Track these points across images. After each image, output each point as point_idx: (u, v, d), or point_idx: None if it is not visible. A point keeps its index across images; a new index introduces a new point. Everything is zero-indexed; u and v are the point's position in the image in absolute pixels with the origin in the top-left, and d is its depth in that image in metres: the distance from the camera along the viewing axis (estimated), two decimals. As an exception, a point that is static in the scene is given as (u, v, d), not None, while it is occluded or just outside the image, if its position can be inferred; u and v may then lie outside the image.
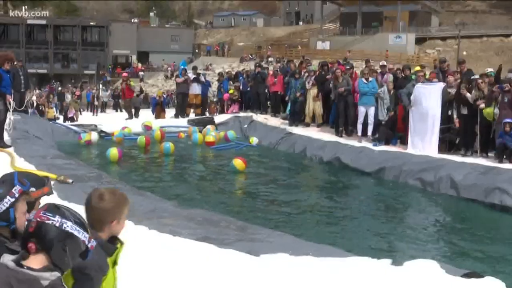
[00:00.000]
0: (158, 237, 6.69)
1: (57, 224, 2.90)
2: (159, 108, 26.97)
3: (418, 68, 17.96)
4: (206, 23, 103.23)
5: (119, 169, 14.15)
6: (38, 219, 2.88)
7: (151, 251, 6.08)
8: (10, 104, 13.12)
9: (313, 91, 18.86)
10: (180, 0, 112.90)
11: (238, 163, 14.21)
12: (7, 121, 13.95)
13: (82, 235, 2.94)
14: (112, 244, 3.27)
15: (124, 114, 28.31)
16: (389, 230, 9.67)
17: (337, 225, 9.97)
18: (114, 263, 3.29)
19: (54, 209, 2.93)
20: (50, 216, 2.89)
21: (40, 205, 3.43)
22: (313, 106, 19.03)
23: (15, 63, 16.69)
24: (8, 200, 3.59)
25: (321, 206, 11.41)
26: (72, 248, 2.91)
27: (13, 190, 3.64)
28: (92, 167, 12.24)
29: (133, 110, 27.50)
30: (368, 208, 11.43)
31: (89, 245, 2.95)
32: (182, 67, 26.95)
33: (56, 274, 2.87)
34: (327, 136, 17.54)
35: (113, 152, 15.09)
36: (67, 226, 2.91)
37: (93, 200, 3.22)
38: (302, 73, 19.76)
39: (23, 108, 16.53)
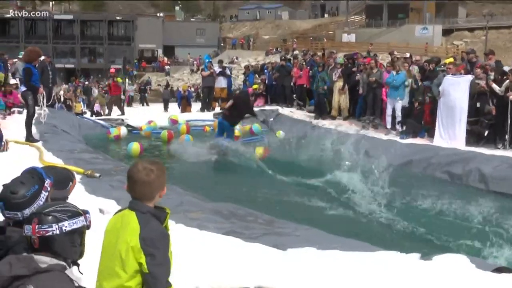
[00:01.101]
0: (185, 231, 6.68)
1: (58, 232, 3.02)
2: (185, 102, 27.06)
3: (451, 60, 17.67)
4: (231, 16, 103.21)
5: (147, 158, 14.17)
6: (38, 235, 2.96)
7: (178, 245, 6.07)
8: (43, 97, 13.48)
9: (339, 84, 18.74)
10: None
11: (259, 151, 14.68)
12: (42, 113, 14.10)
13: (80, 222, 3.13)
14: (158, 210, 3.37)
15: (152, 107, 28.49)
16: (418, 223, 9.56)
17: (364, 218, 9.89)
18: (165, 228, 3.38)
19: (45, 218, 3.03)
20: (46, 228, 3.01)
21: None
22: (339, 98, 18.91)
23: (43, 58, 16.91)
24: (44, 194, 3.63)
25: (348, 199, 11.32)
26: (78, 237, 3.12)
27: (45, 184, 3.67)
28: (119, 161, 12.29)
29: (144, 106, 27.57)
30: (394, 200, 11.32)
31: (87, 222, 3.18)
32: (207, 60, 26.99)
33: (59, 262, 2.97)
34: (353, 128, 17.43)
35: (135, 146, 15.20)
36: (66, 227, 3.05)
37: (141, 175, 3.28)
38: (325, 65, 19.66)
39: (50, 102, 16.72)
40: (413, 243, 8.23)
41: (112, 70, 29.86)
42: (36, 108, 13.48)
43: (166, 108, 31.69)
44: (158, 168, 3.34)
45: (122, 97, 38.95)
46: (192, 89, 41.54)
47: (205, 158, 14.64)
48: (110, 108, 27.03)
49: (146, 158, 3.61)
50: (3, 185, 3.72)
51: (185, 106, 26.63)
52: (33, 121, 13.45)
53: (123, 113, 25.46)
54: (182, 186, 10.23)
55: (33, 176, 3.71)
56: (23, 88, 13.01)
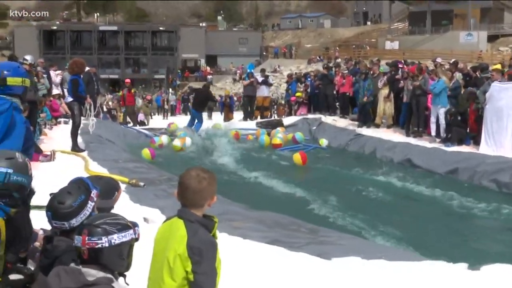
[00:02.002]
0: (228, 240, 6.68)
1: (107, 244, 3.04)
2: (227, 109, 27.07)
3: (498, 66, 17.31)
4: (273, 25, 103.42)
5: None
6: (88, 247, 2.98)
7: (221, 254, 6.07)
8: (90, 106, 13.77)
9: (384, 91, 18.56)
10: (247, 1, 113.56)
11: (297, 158, 15.20)
12: (90, 122, 14.34)
13: (129, 235, 3.13)
14: (207, 219, 3.36)
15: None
16: (465, 233, 9.40)
17: (409, 226, 9.76)
18: (213, 236, 3.38)
19: (95, 230, 3.05)
20: (96, 240, 3.03)
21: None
22: (384, 106, 18.72)
23: (89, 69, 17.23)
24: (90, 205, 3.67)
25: (394, 207, 11.21)
26: (126, 250, 3.13)
27: (92, 195, 3.71)
28: (162, 170, 12.37)
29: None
30: (442, 209, 11.16)
31: (136, 235, 3.18)
32: (249, 70, 27.09)
33: (106, 275, 2.99)
34: (397, 137, 17.26)
35: (146, 152, 15.52)
36: (115, 240, 3.06)
37: (193, 182, 3.28)
38: (370, 73, 19.54)
39: (95, 112, 16.97)
40: (461, 252, 8.08)
41: (127, 80, 29.25)
42: (83, 118, 13.69)
43: (210, 116, 31.87)
44: (210, 176, 3.34)
45: (166, 106, 39.32)
46: (235, 98, 41.66)
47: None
48: (133, 120, 26.90)
49: (199, 166, 3.61)
50: (51, 195, 3.77)
51: (227, 113, 26.68)
52: (79, 131, 13.67)
53: (135, 124, 25.55)
54: (223, 195, 10.29)
55: (80, 186, 3.75)
56: (69, 99, 13.28)
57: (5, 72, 5.12)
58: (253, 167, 15.16)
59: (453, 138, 15.32)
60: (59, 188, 3.81)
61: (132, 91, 27.47)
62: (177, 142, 17.72)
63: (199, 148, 17.93)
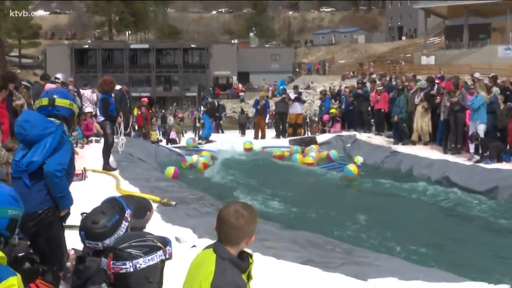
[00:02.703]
0: (261, 260, 6.66)
1: (132, 269, 2.98)
2: (261, 111, 26.59)
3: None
4: (306, 41, 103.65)
5: (220, 191, 14.26)
6: (112, 271, 2.96)
7: (254, 274, 6.05)
8: (121, 124, 13.97)
9: (421, 107, 18.40)
10: (280, 17, 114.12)
11: (353, 167, 15.77)
12: (120, 141, 14.51)
13: (157, 257, 3.08)
14: (242, 258, 3.28)
15: (228, 134, 28.77)
16: (507, 252, 9.24)
17: (447, 246, 9.64)
18: (248, 277, 3.32)
19: (120, 254, 3.01)
20: (120, 265, 2.98)
21: None
22: (421, 122, 18.55)
23: (120, 87, 17.42)
24: (124, 225, 3.69)
25: (431, 225, 11.08)
26: (154, 272, 3.07)
27: (126, 215, 3.74)
28: (194, 189, 12.41)
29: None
30: (481, 227, 11.00)
31: (167, 255, 3.14)
32: (281, 86, 27.12)
33: None
34: (434, 154, 17.10)
35: (169, 171, 15.51)
36: (140, 264, 3.01)
37: (231, 218, 3.21)
38: (407, 89, 19.44)
39: (127, 131, 17.16)
40: (502, 272, 7.93)
41: (144, 99, 27.69)
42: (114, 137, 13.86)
43: (243, 132, 32.02)
44: (250, 214, 3.27)
45: (198, 124, 39.46)
46: (268, 116, 41.73)
47: None
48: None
49: (241, 201, 3.55)
50: (82, 215, 3.82)
51: (259, 120, 26.48)
52: (118, 148, 13.87)
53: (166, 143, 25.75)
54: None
55: (114, 206, 3.78)
56: (101, 118, 13.44)
57: (55, 95, 5.29)
58: (283, 185, 15.17)
59: (491, 155, 15.12)
60: (90, 208, 3.85)
61: (150, 110, 27.02)
62: (191, 160, 17.93)
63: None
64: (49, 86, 13.75)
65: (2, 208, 3.41)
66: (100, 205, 3.86)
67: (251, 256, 3.34)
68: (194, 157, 18.57)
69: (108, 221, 3.64)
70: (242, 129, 35.59)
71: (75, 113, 5.50)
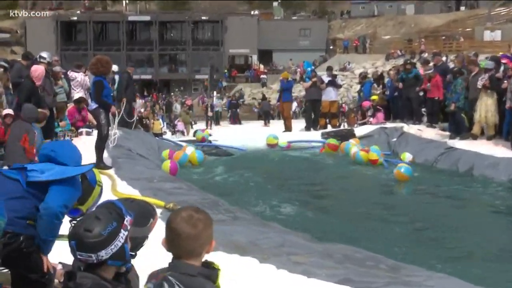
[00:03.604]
0: (289, 278, 6.68)
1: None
2: (283, 107, 26.65)
3: None
4: (343, 12, 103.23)
5: (238, 196, 14.30)
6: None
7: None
8: (115, 116, 14.03)
9: (485, 93, 18.16)
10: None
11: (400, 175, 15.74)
12: (112, 135, 14.61)
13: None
14: (208, 268, 3.32)
15: (248, 125, 28.81)
16: None
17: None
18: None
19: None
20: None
21: None
22: (485, 112, 18.23)
23: (128, 69, 17.56)
24: (123, 234, 3.69)
25: (497, 239, 11.02)
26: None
27: (125, 222, 3.74)
28: (206, 192, 12.45)
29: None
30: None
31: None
32: (309, 69, 27.10)
33: None
34: (500, 151, 16.97)
35: (165, 165, 15.76)
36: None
37: (187, 227, 3.24)
38: (465, 72, 19.28)
39: (133, 120, 17.29)
40: None
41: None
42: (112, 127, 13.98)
43: (267, 121, 32.10)
44: (205, 216, 3.34)
45: (210, 113, 39.66)
46: (295, 104, 41.77)
47: None
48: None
49: (189, 206, 3.57)
50: (71, 222, 3.83)
51: (284, 108, 26.53)
52: (108, 143, 13.94)
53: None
54: (281, 223, 10.29)
55: (111, 211, 3.78)
56: (93, 105, 13.50)
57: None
58: (313, 187, 15.20)
59: None
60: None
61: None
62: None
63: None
64: (36, 68, 13.85)
65: None
66: (95, 210, 3.87)
67: (212, 263, 3.37)
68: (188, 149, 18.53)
69: (104, 229, 3.63)
70: (265, 119, 35.69)
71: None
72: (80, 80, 19.30)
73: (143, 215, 4.32)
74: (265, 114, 37.08)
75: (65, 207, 4.79)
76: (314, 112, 25.16)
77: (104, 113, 13.24)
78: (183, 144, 21.09)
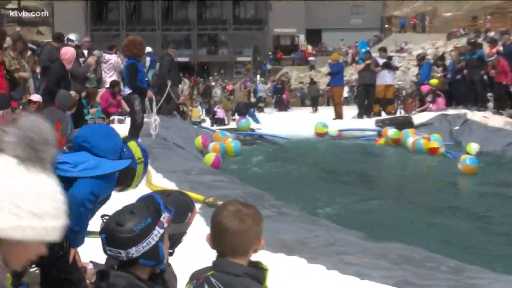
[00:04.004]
0: (340, 279, 6.68)
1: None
2: (333, 91, 26.58)
3: None
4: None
5: (282, 189, 14.29)
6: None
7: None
8: (152, 101, 14.08)
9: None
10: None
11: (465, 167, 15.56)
12: (152, 122, 14.67)
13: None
14: (255, 268, 3.30)
15: (296, 112, 28.79)
16: None
17: None
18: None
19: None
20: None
21: None
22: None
23: (169, 51, 17.65)
24: (158, 232, 3.68)
25: None
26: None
27: (161, 219, 3.73)
28: (249, 185, 12.46)
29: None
30: None
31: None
32: (363, 50, 26.94)
33: None
34: None
35: (209, 157, 15.92)
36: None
37: (235, 222, 3.22)
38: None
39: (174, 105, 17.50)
40: None
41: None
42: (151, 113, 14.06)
43: (315, 107, 32.02)
44: (255, 211, 3.32)
45: (252, 99, 39.71)
46: (347, 89, 41.56)
47: None
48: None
49: (236, 199, 3.54)
50: (102, 218, 3.84)
51: (334, 93, 26.43)
52: (151, 131, 14.02)
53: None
54: (332, 219, 10.28)
55: (148, 205, 3.78)
56: (126, 91, 13.57)
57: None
58: (366, 179, 15.15)
59: None
60: (111, 212, 3.86)
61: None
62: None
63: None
64: (67, 51, 13.98)
65: None
66: (132, 203, 3.88)
67: (259, 262, 3.35)
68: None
69: (137, 224, 3.62)
70: (313, 104, 35.64)
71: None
72: (114, 63, 19.41)
73: (181, 209, 4.31)
74: (313, 100, 37.04)
75: (92, 195, 4.76)
76: (367, 98, 25.02)
77: (139, 98, 13.31)
78: (226, 133, 21.16)
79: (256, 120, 24.68)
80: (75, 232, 4.80)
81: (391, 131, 20.16)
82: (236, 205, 3.30)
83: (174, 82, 18.33)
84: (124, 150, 5.03)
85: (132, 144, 5.17)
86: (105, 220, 3.78)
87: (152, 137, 14.90)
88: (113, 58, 19.41)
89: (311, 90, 41.01)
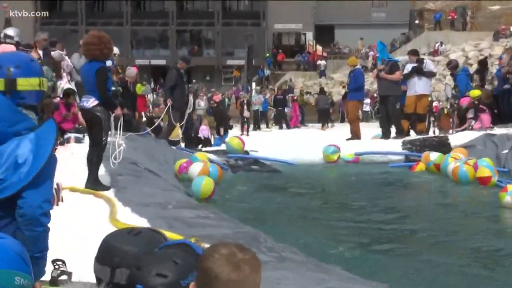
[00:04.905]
0: None
1: None
2: (349, 105, 26.63)
3: None
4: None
5: (281, 227, 14.26)
6: None
7: None
8: (119, 120, 13.79)
9: None
10: None
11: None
12: (117, 145, 14.37)
13: None
14: None
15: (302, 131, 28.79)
16: None
17: None
18: None
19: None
20: None
21: None
22: None
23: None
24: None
25: None
26: None
27: None
28: (241, 223, 12.44)
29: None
30: None
31: None
32: (380, 51, 26.85)
33: None
34: None
35: (206, 188, 15.60)
36: None
37: (225, 271, 3.21)
38: None
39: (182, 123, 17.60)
40: None
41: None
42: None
43: (325, 122, 31.90)
44: (253, 257, 3.33)
45: (247, 113, 39.78)
46: (367, 101, 41.59)
47: None
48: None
49: (228, 241, 3.52)
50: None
51: (350, 107, 26.41)
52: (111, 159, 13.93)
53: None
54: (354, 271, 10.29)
55: (190, 253, 3.82)
56: (90, 102, 13.26)
57: (12, 69, 5.15)
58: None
59: None
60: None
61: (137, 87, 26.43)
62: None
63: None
64: (3, 48, 13.94)
65: (7, 273, 3.42)
66: (166, 250, 3.90)
67: None
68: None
69: (184, 277, 3.67)
70: (323, 120, 35.66)
71: (45, 95, 5.45)
72: (67, 64, 19.38)
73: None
74: (321, 114, 36.98)
75: (46, 203, 4.80)
76: (392, 111, 24.81)
77: (106, 112, 13.17)
78: (211, 156, 21.07)
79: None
80: (37, 259, 4.78)
81: (434, 155, 19.95)
82: (230, 248, 3.29)
83: (178, 104, 18.40)
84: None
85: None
86: (57, 266, 3.79)
87: (112, 166, 14.57)
88: (66, 58, 19.37)
89: (318, 102, 40.99)
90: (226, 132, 27.80)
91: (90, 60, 13.31)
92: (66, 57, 19.59)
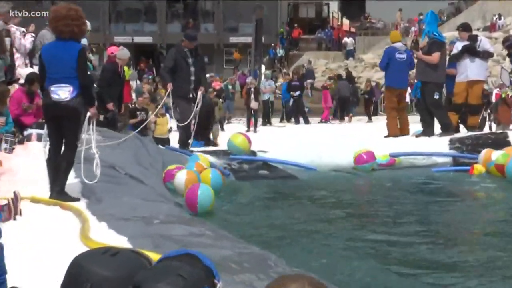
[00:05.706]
0: None
1: None
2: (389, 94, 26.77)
3: None
4: None
5: (297, 246, 14.32)
6: None
7: None
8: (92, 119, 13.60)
9: None
10: None
11: None
12: (95, 159, 14.17)
13: None
14: None
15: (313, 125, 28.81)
16: None
17: None
18: None
19: None
20: None
21: None
22: None
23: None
24: None
25: None
26: None
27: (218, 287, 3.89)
28: (245, 242, 12.46)
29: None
30: None
31: None
32: (427, 20, 26.77)
33: None
34: None
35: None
36: None
37: None
38: None
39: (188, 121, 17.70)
40: None
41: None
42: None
43: (343, 114, 31.73)
44: None
45: (253, 103, 39.84)
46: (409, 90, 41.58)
47: None
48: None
49: (300, 273, 3.52)
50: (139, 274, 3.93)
51: (390, 97, 26.50)
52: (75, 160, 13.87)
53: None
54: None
55: (197, 266, 3.90)
56: (66, 92, 13.10)
57: None
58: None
59: None
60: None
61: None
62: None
63: None
64: None
65: None
66: (171, 263, 3.98)
67: None
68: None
69: None
70: (342, 106, 35.63)
71: None
72: (20, 43, 19.34)
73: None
74: (342, 103, 36.85)
75: None
76: (437, 104, 24.57)
77: (84, 107, 13.08)
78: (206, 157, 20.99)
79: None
80: None
81: (496, 154, 19.84)
82: (301, 282, 3.29)
83: (180, 92, 18.49)
84: None
85: None
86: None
87: (93, 181, 14.41)
88: (16, 33, 19.34)
89: (339, 89, 40.85)
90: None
91: (63, 38, 13.13)
92: (18, 32, 19.53)
